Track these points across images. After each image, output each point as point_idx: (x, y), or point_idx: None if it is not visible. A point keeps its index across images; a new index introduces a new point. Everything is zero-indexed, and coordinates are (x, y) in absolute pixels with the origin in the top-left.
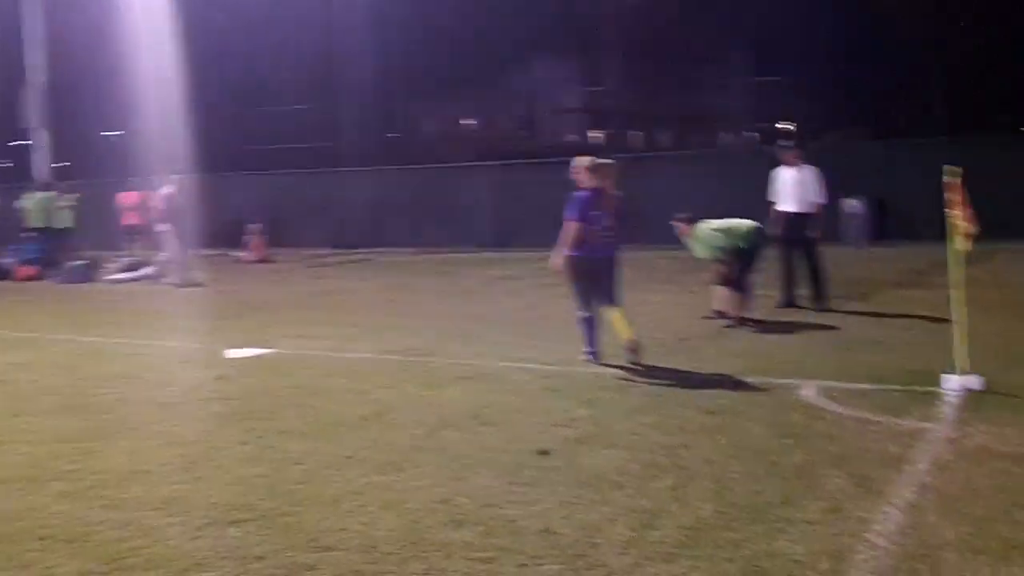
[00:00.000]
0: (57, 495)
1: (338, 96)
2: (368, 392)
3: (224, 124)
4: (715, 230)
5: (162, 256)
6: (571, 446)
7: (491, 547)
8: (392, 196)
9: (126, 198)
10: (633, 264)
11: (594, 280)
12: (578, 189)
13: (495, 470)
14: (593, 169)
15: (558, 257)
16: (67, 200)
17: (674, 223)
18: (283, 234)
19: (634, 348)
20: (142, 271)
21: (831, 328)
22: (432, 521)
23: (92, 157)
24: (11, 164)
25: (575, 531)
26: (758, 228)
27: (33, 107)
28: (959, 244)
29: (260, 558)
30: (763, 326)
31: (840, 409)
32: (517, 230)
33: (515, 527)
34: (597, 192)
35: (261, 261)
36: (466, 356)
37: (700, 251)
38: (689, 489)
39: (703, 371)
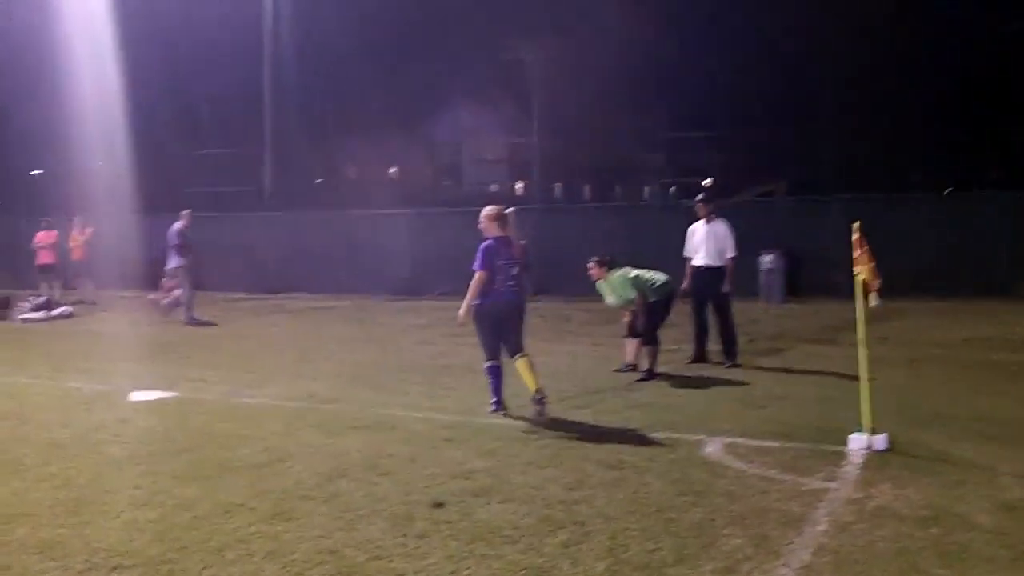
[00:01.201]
0: None
1: (261, 139)
2: (264, 439)
3: (147, 165)
4: (629, 279)
5: (175, 292)
6: (466, 498)
7: None
8: (311, 241)
9: (42, 237)
10: (545, 314)
11: (500, 328)
12: (484, 239)
13: (387, 522)
14: (496, 218)
15: (464, 308)
16: None
17: (589, 266)
18: (200, 277)
19: (541, 399)
20: (56, 311)
21: (741, 384)
22: (316, 573)
23: (10, 195)
24: None
25: None
26: (669, 281)
27: None
28: (870, 300)
29: None
30: (672, 380)
31: (744, 466)
32: (435, 278)
33: None
34: (502, 240)
35: (175, 304)
36: (368, 404)
37: (611, 299)
38: (583, 546)
39: (608, 424)
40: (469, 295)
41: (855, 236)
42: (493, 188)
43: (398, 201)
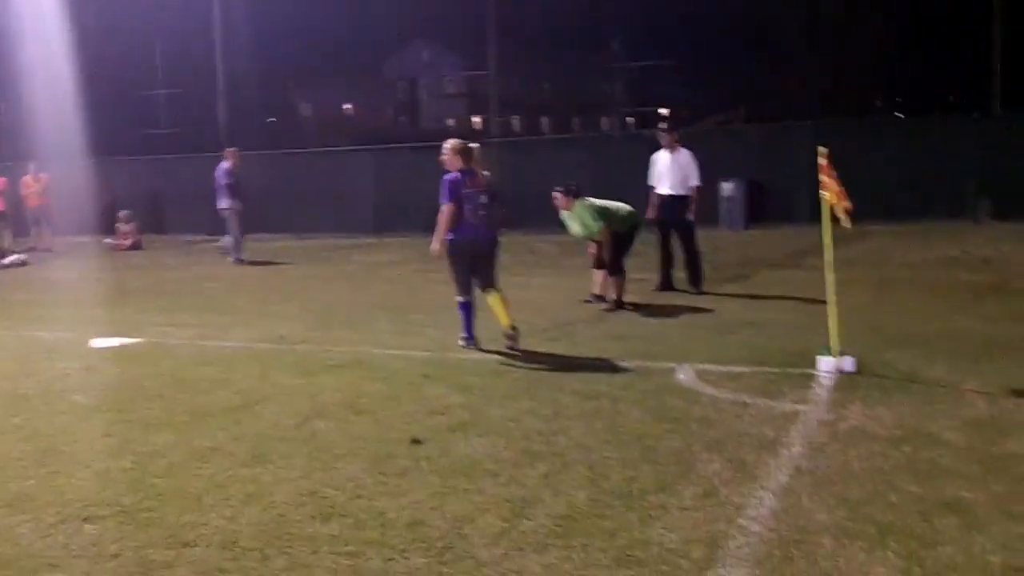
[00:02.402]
0: None
1: (215, 80)
2: (237, 382)
3: (101, 108)
4: (595, 208)
5: (226, 237)
6: (444, 434)
7: (358, 540)
8: (271, 182)
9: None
10: (511, 248)
11: (473, 263)
12: (447, 173)
13: (366, 461)
14: (460, 151)
15: (437, 242)
16: None
17: (554, 195)
18: (160, 220)
19: (513, 335)
20: (8, 259)
21: (708, 311)
22: (298, 515)
23: None
24: None
25: (445, 522)
26: (634, 212)
27: None
28: (842, 222)
29: (115, 556)
30: (641, 309)
31: (717, 392)
32: (398, 215)
33: (384, 519)
34: (466, 173)
35: (133, 247)
36: (341, 343)
37: (576, 229)
38: (563, 476)
39: (580, 356)
40: (439, 229)
41: (822, 162)
42: (450, 123)
43: (355, 139)
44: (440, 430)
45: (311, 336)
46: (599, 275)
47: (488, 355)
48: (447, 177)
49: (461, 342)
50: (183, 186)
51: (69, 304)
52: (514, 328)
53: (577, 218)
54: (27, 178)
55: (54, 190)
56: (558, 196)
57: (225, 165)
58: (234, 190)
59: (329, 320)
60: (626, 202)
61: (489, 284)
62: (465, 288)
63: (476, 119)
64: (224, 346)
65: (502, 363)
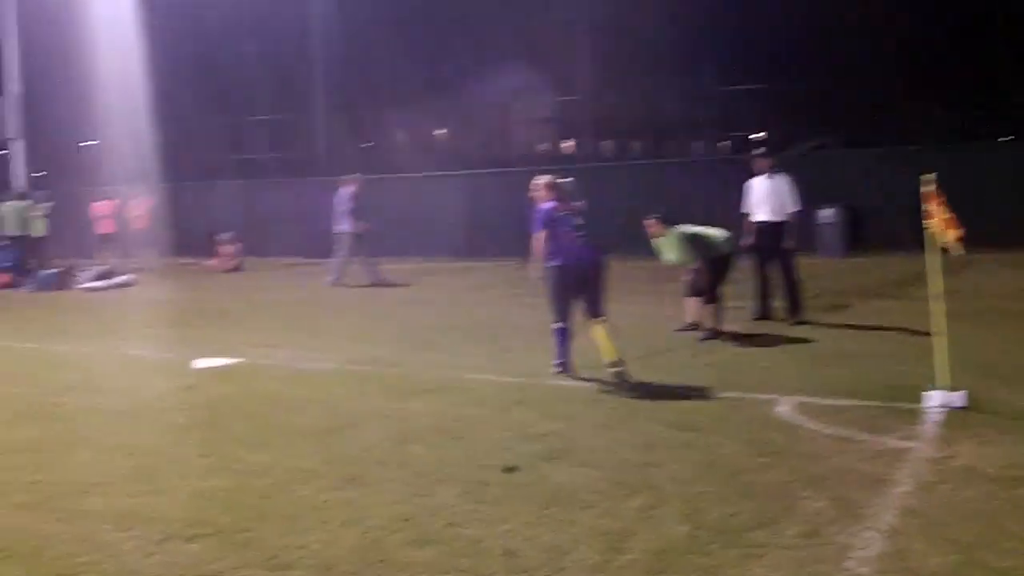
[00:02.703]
0: (15, 507)
1: (310, 105)
2: (333, 404)
3: (199, 134)
4: (688, 235)
5: (335, 258)
6: (538, 463)
7: (452, 568)
8: (365, 204)
9: (100, 207)
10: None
11: (580, 288)
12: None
13: (460, 487)
14: (550, 186)
15: (537, 269)
16: (41, 209)
17: (647, 223)
18: (257, 243)
19: (620, 366)
20: (115, 279)
21: (807, 341)
22: (394, 540)
23: (67, 166)
24: None
25: (539, 553)
26: (730, 238)
27: (9, 117)
28: (953, 248)
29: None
30: (738, 339)
31: (818, 426)
32: (489, 240)
33: (478, 548)
34: (559, 201)
35: (233, 270)
36: (434, 367)
37: (669, 256)
38: (659, 510)
39: (676, 385)
40: (535, 256)
41: (926, 190)
42: (542, 147)
43: (447, 163)
44: (534, 458)
45: (405, 359)
46: (693, 303)
47: (581, 383)
48: (540, 207)
49: (554, 369)
50: (282, 210)
51: (171, 324)
52: (620, 363)
53: (670, 245)
54: (133, 201)
55: (159, 213)
56: (651, 223)
57: (348, 190)
58: (357, 215)
59: (422, 343)
60: (720, 228)
61: (596, 313)
62: (562, 315)
63: (567, 143)
64: (320, 368)
65: (596, 391)
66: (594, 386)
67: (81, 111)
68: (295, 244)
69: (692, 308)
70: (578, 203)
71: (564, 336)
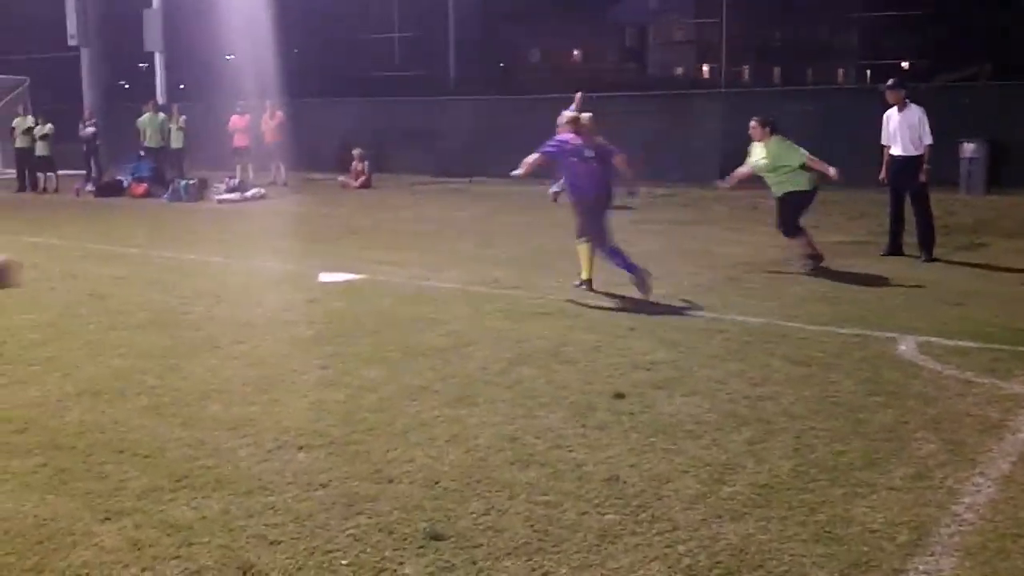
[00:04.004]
0: (140, 410)
1: (442, 24)
2: (449, 323)
3: (330, 50)
4: (792, 146)
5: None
6: (648, 390)
7: (555, 491)
8: (493, 126)
9: (235, 121)
10: (729, 201)
11: (578, 213)
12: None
13: (567, 410)
14: (570, 121)
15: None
16: (179, 121)
17: (752, 125)
18: (387, 160)
19: (584, 286)
20: (248, 192)
21: (937, 280)
22: (498, 459)
23: (205, 80)
24: (128, 85)
25: (643, 481)
26: (814, 176)
27: (151, 30)
28: None
29: (323, 486)
30: (865, 274)
31: (939, 367)
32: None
33: (582, 472)
34: (576, 135)
35: (363, 186)
36: (551, 291)
37: (760, 162)
38: (767, 444)
39: (794, 318)
40: (525, 163)
41: None
42: (678, 71)
43: (581, 85)
44: (644, 385)
45: (522, 282)
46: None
47: (697, 313)
48: (558, 136)
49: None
50: (408, 128)
51: (299, 238)
52: (588, 281)
53: (770, 152)
54: (264, 115)
55: (292, 128)
56: (755, 126)
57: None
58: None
59: (541, 266)
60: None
61: (583, 233)
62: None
63: (705, 67)
64: (440, 287)
65: (711, 323)
66: (710, 315)
67: (219, 26)
68: (421, 162)
69: (795, 242)
70: (597, 138)
71: (616, 255)
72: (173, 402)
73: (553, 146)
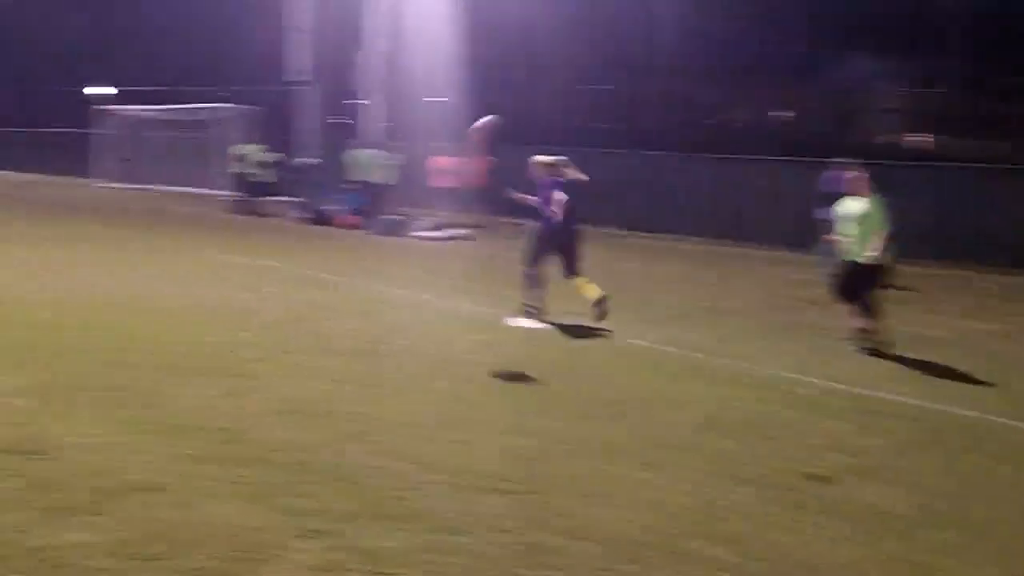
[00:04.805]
0: (341, 434)
1: (643, 76)
2: (638, 380)
3: (534, 98)
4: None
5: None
6: (845, 475)
7: (743, 570)
8: (692, 183)
9: (442, 162)
10: (951, 284)
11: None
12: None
13: (761, 487)
14: (548, 165)
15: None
16: (390, 158)
17: (847, 172)
18: (589, 211)
19: (602, 304)
20: (450, 232)
21: None
22: (686, 529)
23: (417, 120)
24: (344, 120)
25: (838, 571)
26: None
27: (371, 71)
28: None
29: (507, 531)
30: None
31: None
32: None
33: (774, 553)
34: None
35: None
36: (748, 359)
37: (847, 215)
38: (972, 546)
39: (1004, 413)
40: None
41: None
42: (895, 140)
43: (789, 149)
44: (841, 470)
45: (719, 346)
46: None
47: (900, 398)
48: (544, 180)
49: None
50: (600, 180)
51: (493, 281)
52: (603, 298)
53: (866, 209)
54: (473, 158)
55: (496, 172)
56: (855, 175)
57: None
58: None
59: (740, 333)
60: None
61: (572, 272)
62: (533, 264)
63: (920, 137)
64: (630, 343)
65: (915, 408)
66: (913, 404)
67: (434, 69)
68: (619, 214)
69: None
70: (578, 178)
71: (533, 281)
72: (372, 431)
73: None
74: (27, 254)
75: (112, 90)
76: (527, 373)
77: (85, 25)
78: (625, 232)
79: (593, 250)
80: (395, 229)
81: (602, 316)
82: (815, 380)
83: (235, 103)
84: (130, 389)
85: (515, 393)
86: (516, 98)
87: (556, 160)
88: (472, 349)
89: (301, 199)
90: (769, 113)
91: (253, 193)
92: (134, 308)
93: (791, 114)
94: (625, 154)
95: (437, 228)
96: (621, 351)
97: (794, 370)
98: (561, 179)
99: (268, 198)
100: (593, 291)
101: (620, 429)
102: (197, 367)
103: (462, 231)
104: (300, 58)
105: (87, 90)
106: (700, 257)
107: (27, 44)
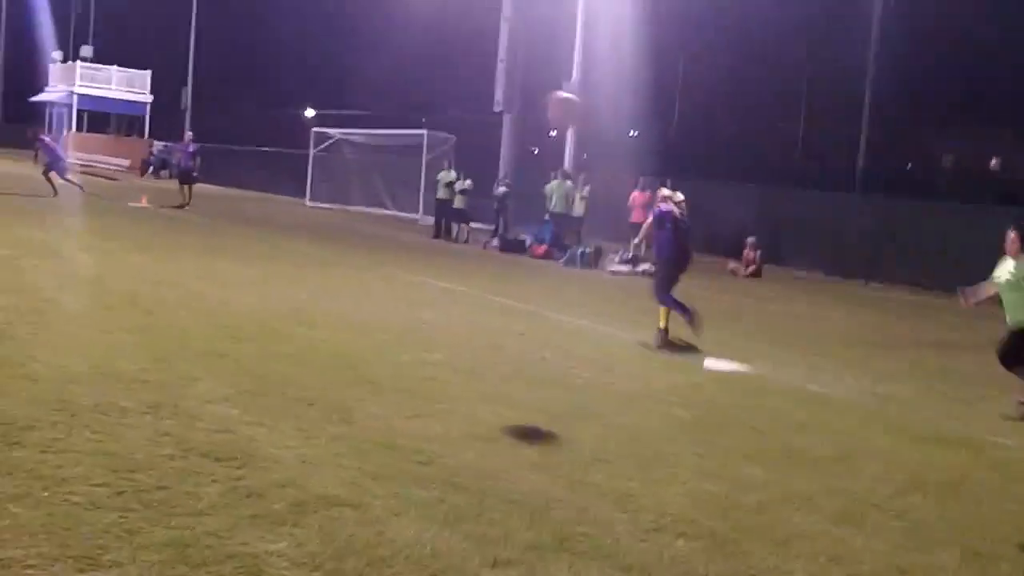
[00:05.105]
0: (529, 464)
1: (852, 117)
2: (835, 432)
3: (729, 134)
4: None
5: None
6: None
7: None
8: (897, 229)
9: (637, 196)
10: None
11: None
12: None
13: (965, 555)
14: (665, 198)
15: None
16: (583, 191)
17: (1011, 237)
18: (778, 251)
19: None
20: (641, 267)
21: None
22: None
23: (610, 153)
24: (538, 151)
25: None
26: None
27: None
28: None
29: None
30: None
31: None
32: None
33: None
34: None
35: (753, 275)
36: (948, 416)
37: (1006, 279)
38: None
39: None
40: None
41: None
42: None
43: (1000, 197)
44: None
45: (915, 401)
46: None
47: None
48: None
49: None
50: (808, 221)
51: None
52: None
53: (1020, 269)
54: (635, 192)
55: (690, 209)
56: (1013, 239)
57: None
58: None
59: (937, 388)
60: None
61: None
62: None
63: None
64: (827, 392)
65: None
66: None
67: (627, 104)
68: (818, 258)
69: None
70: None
71: (672, 302)
72: (560, 463)
73: (658, 217)
74: (238, 268)
75: (312, 112)
76: (722, 417)
77: (311, 55)
78: (825, 275)
79: (791, 291)
80: (586, 261)
81: (661, 344)
82: (1015, 442)
83: (438, 130)
84: (325, 403)
85: (705, 436)
86: (719, 133)
87: (673, 194)
88: (665, 388)
89: (496, 227)
90: (981, 159)
91: (451, 219)
92: (330, 325)
93: (996, 161)
94: (826, 195)
95: (628, 262)
96: (822, 398)
97: (994, 431)
98: (673, 210)
99: (465, 224)
100: (664, 320)
101: (815, 482)
102: (389, 385)
103: (651, 266)
104: (503, 88)
105: (306, 113)
106: (904, 307)
107: (262, 70)
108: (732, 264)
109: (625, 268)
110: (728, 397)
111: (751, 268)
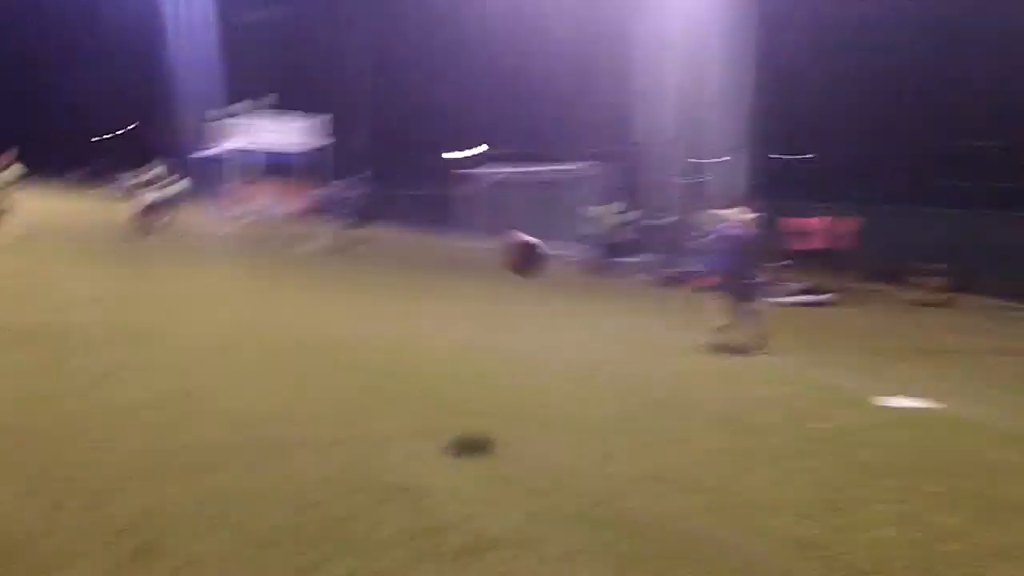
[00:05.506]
0: (702, 508)
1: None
2: None
3: (912, 157)
4: None
5: None
6: None
7: None
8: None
9: (807, 223)
10: None
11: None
12: None
13: None
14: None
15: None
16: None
17: None
18: (969, 278)
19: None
20: (814, 297)
21: None
22: None
23: (775, 179)
24: (702, 180)
25: None
26: None
27: (735, 128)
28: None
29: None
30: None
31: None
32: None
33: None
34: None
35: (939, 305)
36: None
37: None
38: None
39: None
40: None
41: None
42: None
43: None
44: None
45: None
46: None
47: None
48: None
49: None
50: (1002, 245)
51: (861, 351)
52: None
53: None
54: (813, 220)
55: (863, 235)
56: None
57: None
58: None
59: None
60: None
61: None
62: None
63: None
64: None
65: None
66: None
67: (796, 126)
68: (1016, 285)
69: None
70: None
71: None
72: (736, 506)
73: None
74: (374, 303)
75: (472, 151)
76: (910, 459)
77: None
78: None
79: (985, 322)
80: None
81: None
82: None
83: (590, 161)
84: (502, 442)
85: (895, 479)
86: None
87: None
88: (846, 427)
89: (653, 259)
90: None
91: (605, 253)
92: (484, 359)
93: None
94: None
95: (802, 292)
96: (1012, 437)
97: None
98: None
99: (621, 259)
100: (719, 320)
101: (1016, 532)
102: (550, 422)
103: (824, 296)
104: (656, 117)
105: (451, 155)
106: None
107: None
108: (914, 294)
109: (795, 300)
110: (913, 436)
111: (937, 297)
